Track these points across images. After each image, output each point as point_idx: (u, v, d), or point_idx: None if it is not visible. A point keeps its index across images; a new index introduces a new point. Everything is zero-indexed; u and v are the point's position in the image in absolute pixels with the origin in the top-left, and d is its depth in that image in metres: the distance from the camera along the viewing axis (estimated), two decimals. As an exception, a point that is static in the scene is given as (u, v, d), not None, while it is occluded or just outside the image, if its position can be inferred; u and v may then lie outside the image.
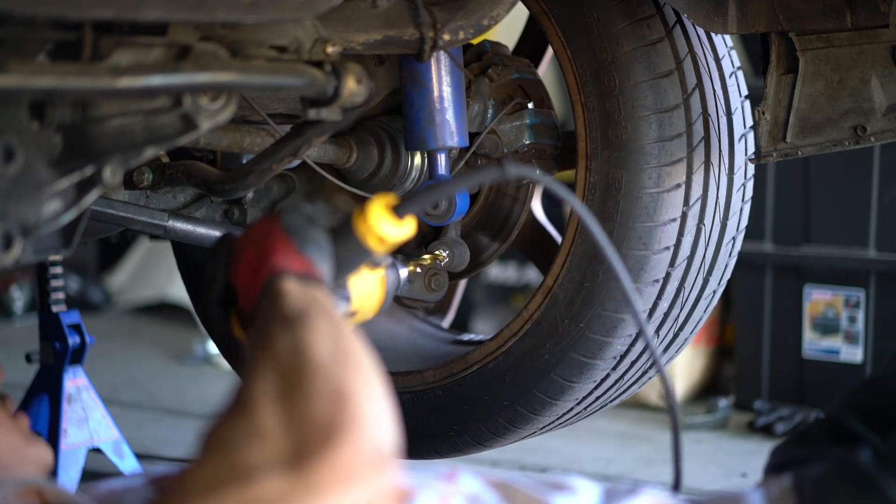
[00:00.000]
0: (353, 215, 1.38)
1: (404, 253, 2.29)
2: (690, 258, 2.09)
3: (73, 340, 2.62)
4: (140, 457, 2.76)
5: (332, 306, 1.26)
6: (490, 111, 2.17)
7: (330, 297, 1.31)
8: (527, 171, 1.43)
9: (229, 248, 1.41)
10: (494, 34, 2.13)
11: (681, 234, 2.04)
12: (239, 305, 1.38)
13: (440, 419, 2.22)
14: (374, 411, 1.13)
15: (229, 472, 1.10)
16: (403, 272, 2.12)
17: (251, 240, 1.37)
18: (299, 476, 1.09)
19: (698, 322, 2.24)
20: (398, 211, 1.36)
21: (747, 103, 2.19)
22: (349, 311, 1.50)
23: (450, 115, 2.08)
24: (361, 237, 1.36)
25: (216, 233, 2.17)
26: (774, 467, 1.41)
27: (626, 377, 2.19)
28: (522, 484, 1.34)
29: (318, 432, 1.10)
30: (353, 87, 1.59)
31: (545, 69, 2.48)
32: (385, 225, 1.36)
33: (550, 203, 2.85)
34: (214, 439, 1.13)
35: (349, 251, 1.37)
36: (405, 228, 1.37)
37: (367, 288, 1.54)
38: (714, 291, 2.22)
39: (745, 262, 3.24)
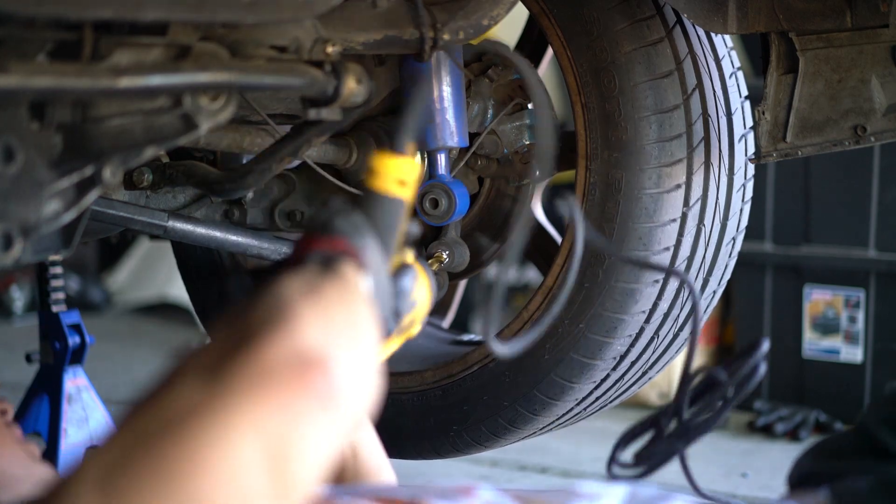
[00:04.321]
0: (364, 183, 1.37)
1: (404, 253, 2.29)
2: (690, 258, 2.09)
3: (73, 340, 2.62)
4: (140, 457, 2.75)
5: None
6: (490, 111, 2.17)
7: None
8: (570, 206, 1.43)
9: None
10: (494, 34, 2.13)
11: (681, 234, 2.04)
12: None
13: (440, 419, 2.21)
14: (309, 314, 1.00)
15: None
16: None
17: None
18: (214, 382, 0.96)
19: (698, 322, 2.24)
20: (396, 149, 1.36)
21: (747, 103, 2.19)
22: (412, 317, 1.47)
23: (450, 115, 2.08)
24: (383, 191, 1.36)
25: (216, 233, 2.16)
26: (800, 479, 1.37)
27: (626, 377, 2.19)
28: (544, 494, 1.31)
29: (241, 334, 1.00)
30: (353, 87, 1.59)
31: (545, 69, 2.48)
32: (397, 165, 1.35)
33: (550, 203, 2.84)
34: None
35: (382, 211, 1.36)
36: (414, 161, 1.37)
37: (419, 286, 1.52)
38: (714, 291, 2.22)
39: (745, 262, 3.24)
